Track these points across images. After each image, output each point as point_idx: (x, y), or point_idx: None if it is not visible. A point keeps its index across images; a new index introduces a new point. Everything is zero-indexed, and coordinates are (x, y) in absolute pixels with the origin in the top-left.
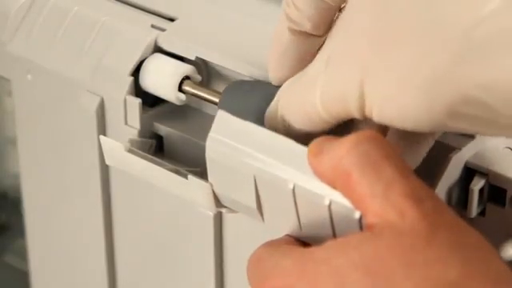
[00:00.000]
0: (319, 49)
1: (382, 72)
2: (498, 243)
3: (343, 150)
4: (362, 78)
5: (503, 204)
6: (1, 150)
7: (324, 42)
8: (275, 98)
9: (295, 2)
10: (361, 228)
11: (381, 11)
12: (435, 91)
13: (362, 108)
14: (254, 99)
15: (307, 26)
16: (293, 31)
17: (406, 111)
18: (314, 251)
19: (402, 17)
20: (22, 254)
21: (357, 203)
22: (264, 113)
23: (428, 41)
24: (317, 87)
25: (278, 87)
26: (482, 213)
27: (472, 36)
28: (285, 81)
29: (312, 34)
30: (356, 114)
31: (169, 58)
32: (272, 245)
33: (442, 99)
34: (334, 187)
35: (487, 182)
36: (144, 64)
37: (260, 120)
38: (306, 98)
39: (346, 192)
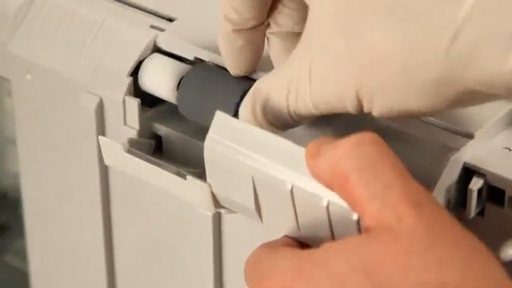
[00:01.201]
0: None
1: (377, 79)
2: (496, 244)
3: (341, 152)
4: (357, 84)
5: (502, 204)
6: (1, 150)
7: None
8: (250, 93)
9: (232, 5)
10: (359, 229)
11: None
12: (437, 92)
13: (359, 108)
14: (215, 89)
15: (250, 24)
16: (237, 31)
17: (409, 109)
18: (312, 253)
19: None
20: (22, 254)
21: (354, 206)
22: (226, 101)
23: (414, 56)
24: (304, 91)
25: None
26: (480, 213)
27: (454, 48)
28: (246, 71)
29: (256, 26)
30: (352, 112)
31: (167, 58)
32: (270, 246)
33: (445, 96)
34: (332, 189)
35: (486, 182)
36: (143, 64)
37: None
38: (292, 99)
39: (344, 194)
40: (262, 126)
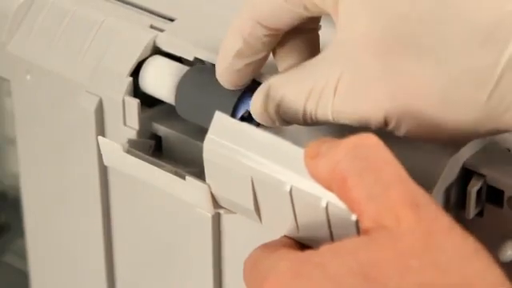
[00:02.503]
0: None
1: (410, 109)
2: (496, 244)
3: (340, 153)
4: (387, 108)
5: (501, 205)
6: (1, 150)
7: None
8: (263, 88)
9: (249, 41)
10: (358, 230)
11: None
12: (470, 129)
13: (383, 127)
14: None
15: (260, 57)
16: (246, 64)
17: (437, 138)
18: (310, 255)
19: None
20: (22, 254)
21: (353, 207)
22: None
23: (452, 96)
24: (326, 102)
25: None
26: (479, 214)
27: (496, 93)
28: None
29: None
30: (373, 128)
31: (168, 60)
32: (268, 247)
33: (477, 133)
34: (331, 190)
35: (485, 183)
36: (143, 66)
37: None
38: (311, 105)
39: (342, 196)
40: (272, 121)
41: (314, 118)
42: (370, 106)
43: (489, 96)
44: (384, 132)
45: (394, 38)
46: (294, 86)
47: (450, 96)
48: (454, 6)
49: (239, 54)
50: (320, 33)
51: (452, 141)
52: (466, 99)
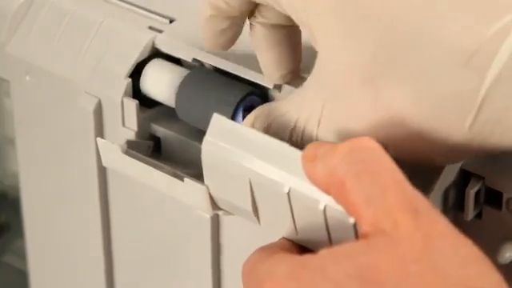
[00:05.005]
0: None
1: (393, 135)
2: (494, 246)
3: (337, 157)
4: (371, 132)
5: (499, 207)
6: (1, 150)
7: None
8: (251, 117)
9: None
10: (356, 233)
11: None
12: (453, 153)
13: None
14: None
15: (236, 13)
16: (222, 17)
17: (420, 160)
18: (308, 259)
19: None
20: (22, 254)
21: (351, 211)
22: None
23: (435, 121)
24: (311, 131)
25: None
26: (478, 216)
27: (478, 120)
28: (223, 49)
29: (241, 13)
30: None
31: (168, 64)
32: (266, 251)
33: (461, 156)
34: (329, 193)
35: (483, 184)
36: (144, 69)
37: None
38: (296, 137)
39: (340, 199)
40: None
41: (299, 143)
42: (353, 132)
43: (472, 121)
44: None
45: (376, 67)
46: (279, 117)
47: (433, 121)
48: (430, 31)
49: (218, 11)
50: None
51: (438, 162)
52: (449, 124)
